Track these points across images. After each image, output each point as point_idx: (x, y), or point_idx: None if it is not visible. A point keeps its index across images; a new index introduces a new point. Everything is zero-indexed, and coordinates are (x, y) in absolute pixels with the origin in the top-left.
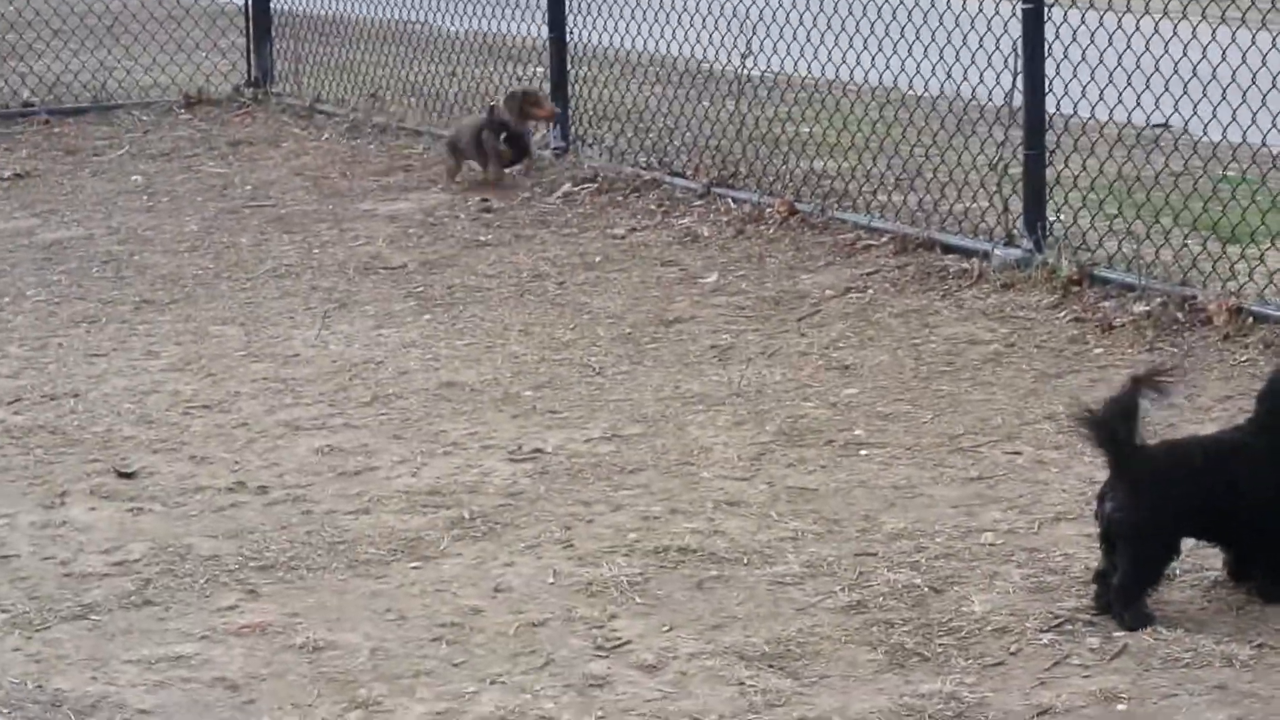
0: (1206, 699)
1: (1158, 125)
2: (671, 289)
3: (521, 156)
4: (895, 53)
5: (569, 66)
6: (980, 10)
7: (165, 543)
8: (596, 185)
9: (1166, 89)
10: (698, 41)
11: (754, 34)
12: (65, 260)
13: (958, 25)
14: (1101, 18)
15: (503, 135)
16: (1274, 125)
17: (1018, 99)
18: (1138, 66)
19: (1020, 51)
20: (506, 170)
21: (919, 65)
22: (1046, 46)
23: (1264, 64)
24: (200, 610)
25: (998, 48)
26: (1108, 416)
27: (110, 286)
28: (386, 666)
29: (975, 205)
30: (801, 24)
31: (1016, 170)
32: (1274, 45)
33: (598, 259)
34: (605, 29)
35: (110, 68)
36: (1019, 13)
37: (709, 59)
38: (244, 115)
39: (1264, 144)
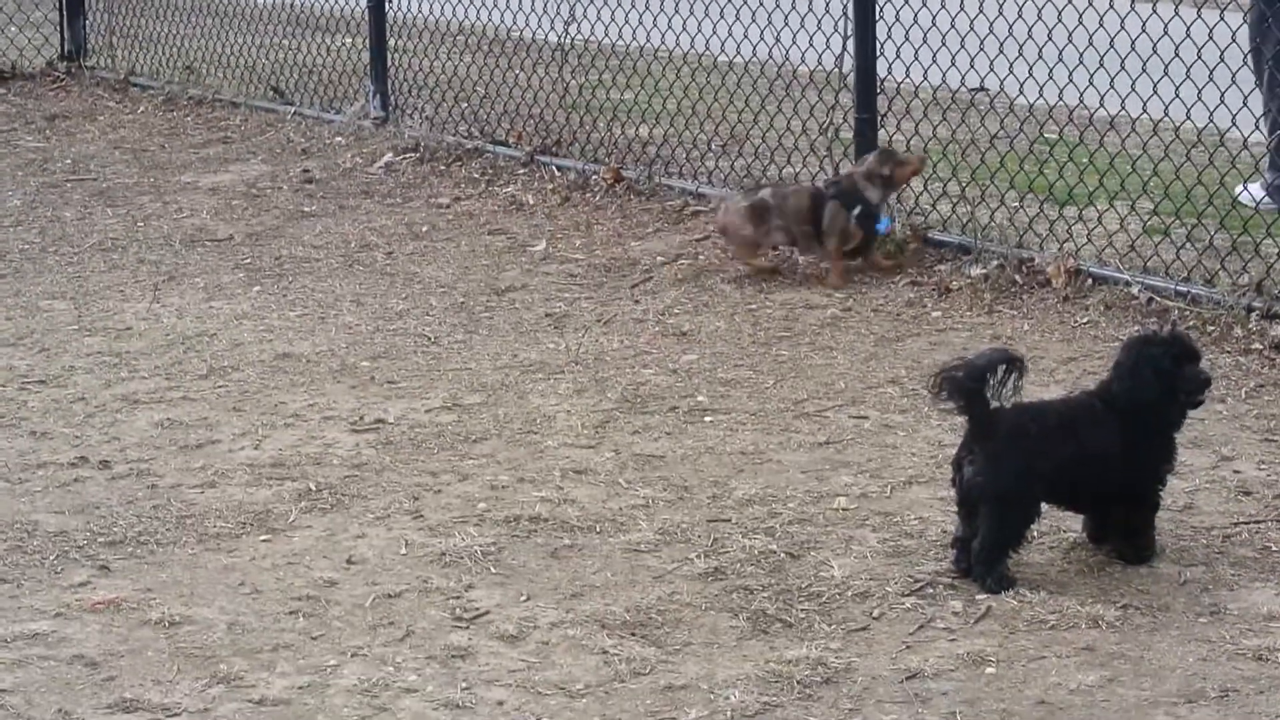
0: (1075, 660)
1: (975, 89)
2: (501, 258)
3: (867, 243)
4: (721, 18)
5: (388, 36)
6: None
7: (11, 519)
8: (418, 155)
9: (1000, 52)
10: (519, 9)
11: (576, 1)
12: None
13: None
14: None
15: (856, 212)
16: (1092, 85)
17: (848, 63)
18: (971, 29)
19: (852, 15)
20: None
21: (746, 31)
22: (878, 10)
23: (1080, 24)
24: (52, 587)
25: (827, 11)
26: (967, 379)
27: None
28: (245, 640)
29: (805, 170)
30: None
31: (847, 135)
32: (1090, 5)
33: (425, 228)
34: None
35: None
36: None
37: (529, 27)
38: (59, 89)
39: (1082, 104)
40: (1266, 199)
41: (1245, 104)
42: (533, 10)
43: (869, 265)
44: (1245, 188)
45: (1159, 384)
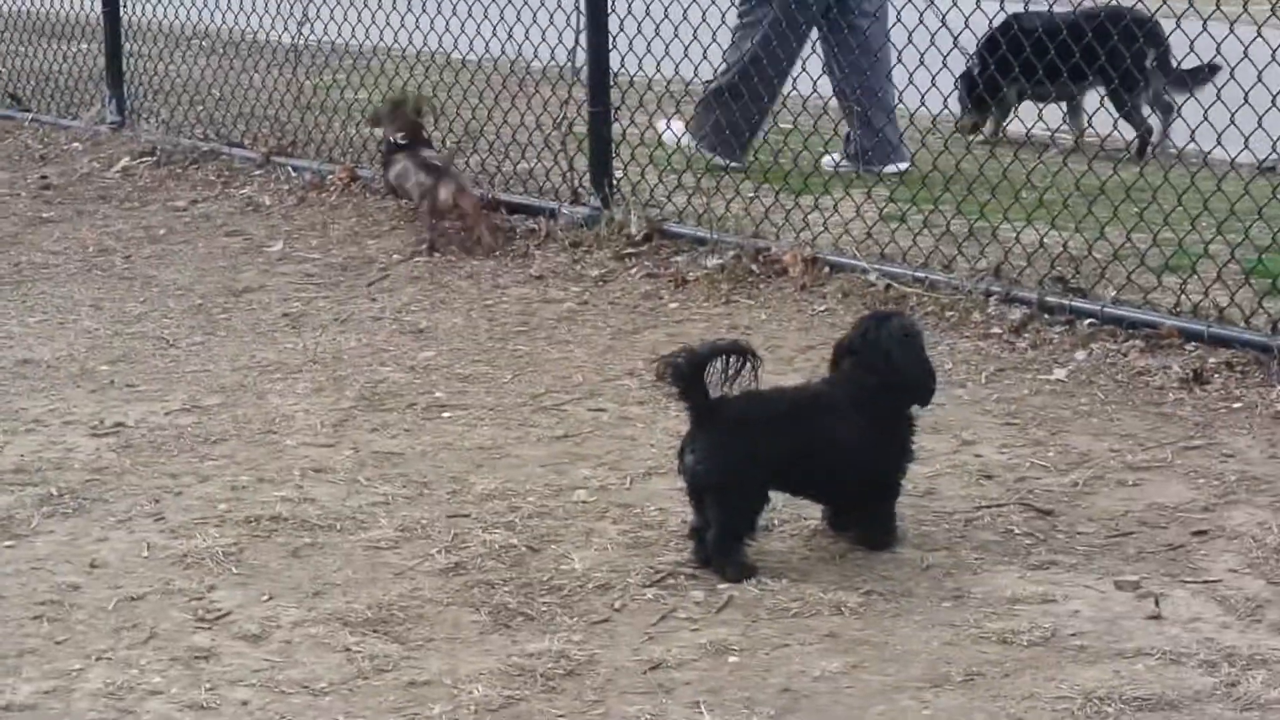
0: (818, 647)
1: (709, 81)
2: (238, 259)
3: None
4: (454, 15)
5: (124, 41)
6: None
7: None
8: (155, 158)
9: (733, 43)
10: (252, 11)
11: (310, 2)
12: None
13: None
14: None
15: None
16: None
17: (581, 57)
18: (704, 21)
19: (583, 9)
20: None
21: (478, 28)
22: (609, 3)
23: None
24: None
25: (559, 6)
26: (686, 366)
27: None
28: None
29: (540, 165)
30: None
31: (580, 129)
32: None
33: (162, 232)
34: (159, 2)
35: None
36: None
37: (263, 29)
38: None
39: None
40: (845, 162)
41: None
42: (266, 12)
43: None
44: (830, 156)
45: (927, 361)
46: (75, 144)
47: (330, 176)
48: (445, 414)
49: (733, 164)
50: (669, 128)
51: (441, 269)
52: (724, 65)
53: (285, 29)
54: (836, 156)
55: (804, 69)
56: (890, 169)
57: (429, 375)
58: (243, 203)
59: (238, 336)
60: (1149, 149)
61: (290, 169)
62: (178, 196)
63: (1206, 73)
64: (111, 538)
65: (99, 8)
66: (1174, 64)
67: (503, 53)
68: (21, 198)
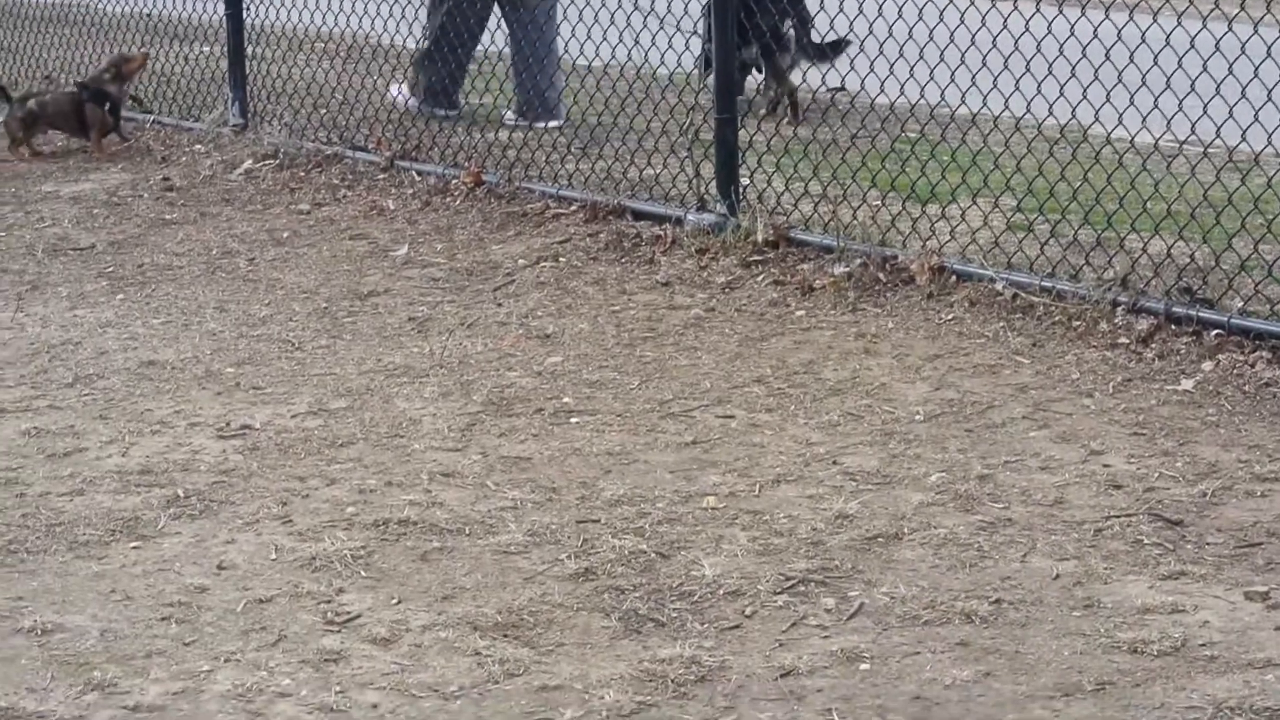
0: (949, 656)
1: (834, 89)
2: (363, 263)
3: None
4: (580, 20)
5: (246, 44)
6: None
7: None
8: (278, 161)
9: (861, 50)
10: (377, 15)
11: None
12: None
13: None
14: None
15: (106, 105)
16: (953, 82)
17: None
18: (831, 29)
19: (711, 15)
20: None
21: (605, 33)
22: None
23: (941, 21)
24: None
25: (686, 13)
26: None
27: None
28: (118, 647)
29: (665, 171)
30: None
31: (707, 136)
32: (951, 3)
33: (286, 234)
34: (283, 5)
35: None
36: None
37: (386, 33)
38: None
39: (943, 101)
40: (411, 100)
41: (1108, 99)
42: (390, 16)
43: (98, 147)
44: (396, 90)
45: None
46: (197, 146)
47: (455, 181)
48: (573, 419)
49: (450, 112)
50: (399, 92)
51: (568, 275)
52: (423, 33)
53: (410, 33)
54: (510, 113)
55: (931, 78)
56: (550, 124)
57: (556, 380)
58: (367, 207)
59: (364, 340)
60: (795, 109)
61: (415, 173)
62: (301, 200)
63: (840, 45)
64: (239, 539)
65: (221, 10)
66: (809, 37)
67: (629, 58)
68: (144, 199)
